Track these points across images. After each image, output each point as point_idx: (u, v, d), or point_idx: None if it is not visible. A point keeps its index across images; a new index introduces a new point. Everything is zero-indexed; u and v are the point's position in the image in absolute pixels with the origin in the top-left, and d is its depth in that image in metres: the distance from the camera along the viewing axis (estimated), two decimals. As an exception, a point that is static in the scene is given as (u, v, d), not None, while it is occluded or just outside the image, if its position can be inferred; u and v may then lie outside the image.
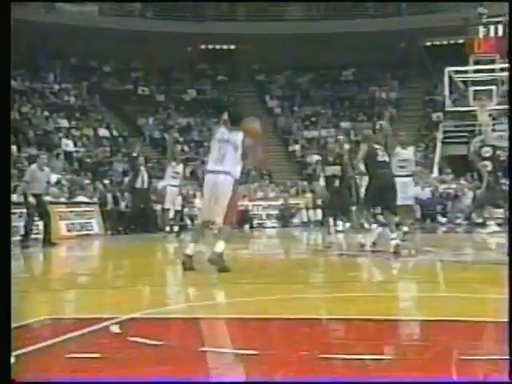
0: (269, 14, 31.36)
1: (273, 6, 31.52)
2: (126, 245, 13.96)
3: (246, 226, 20.32)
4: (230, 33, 30.40)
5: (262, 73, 32.74)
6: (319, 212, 20.82)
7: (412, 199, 12.50)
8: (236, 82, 32.17)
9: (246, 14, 32.00)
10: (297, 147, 28.73)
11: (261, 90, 32.11)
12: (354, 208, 12.24)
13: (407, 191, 11.47)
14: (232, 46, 32.71)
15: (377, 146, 9.62)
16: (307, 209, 21.63)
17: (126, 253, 11.68)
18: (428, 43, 31.64)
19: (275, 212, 21.92)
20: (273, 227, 21.16)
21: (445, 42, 31.93)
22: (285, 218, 21.57)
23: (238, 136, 7.28)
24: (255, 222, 21.47)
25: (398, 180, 9.88)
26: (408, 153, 11.96)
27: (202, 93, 31.37)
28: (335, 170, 11.58)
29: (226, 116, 8.11)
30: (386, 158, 9.64)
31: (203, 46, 32.48)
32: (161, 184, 15.92)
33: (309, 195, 22.35)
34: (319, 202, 20.19)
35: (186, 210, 18.75)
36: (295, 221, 21.70)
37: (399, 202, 10.02)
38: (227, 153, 7.20)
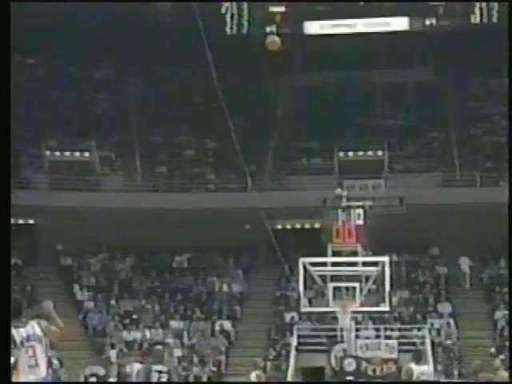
0: (79, 182, 31.59)
1: (89, 175, 31.57)
2: None
3: None
4: (27, 204, 29.70)
5: (68, 255, 32.23)
6: None
7: None
8: (35, 267, 31.50)
9: (50, 182, 31.85)
10: (112, 353, 27.08)
11: (67, 278, 31.39)
12: None
13: None
14: (30, 221, 32.32)
15: None
16: None
17: None
18: (278, 226, 32.06)
19: None
20: None
21: (298, 226, 32.61)
22: None
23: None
24: None
25: None
26: None
27: None
28: None
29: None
30: None
31: None
32: None
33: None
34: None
35: None
36: None
37: None
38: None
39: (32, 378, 7.97)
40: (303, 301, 23.65)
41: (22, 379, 7.98)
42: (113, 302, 30.45)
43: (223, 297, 30.82)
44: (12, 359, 7.93)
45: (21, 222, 32.41)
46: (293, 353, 25.61)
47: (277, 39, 16.48)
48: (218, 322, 29.05)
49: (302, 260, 23.49)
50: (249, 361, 26.56)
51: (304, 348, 25.76)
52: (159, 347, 20.52)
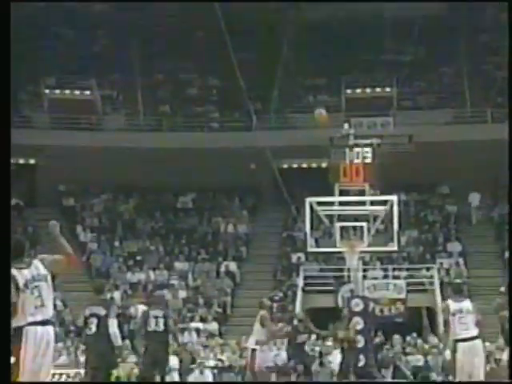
0: (80, 121, 31.34)
1: (90, 113, 31.53)
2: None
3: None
4: (27, 144, 29.59)
5: (70, 196, 32.21)
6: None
7: None
8: (37, 208, 31.46)
9: (51, 121, 31.69)
10: (117, 294, 27.10)
11: (70, 219, 31.22)
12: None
13: None
14: (31, 161, 32.26)
15: None
16: None
17: None
18: (284, 165, 31.93)
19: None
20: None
21: (305, 166, 32.38)
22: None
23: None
24: None
25: None
26: None
27: None
28: None
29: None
30: None
31: None
32: None
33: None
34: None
35: None
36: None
37: None
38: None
39: (39, 319, 7.86)
40: (310, 241, 23.12)
41: (30, 320, 7.86)
42: (116, 244, 30.42)
43: (228, 238, 30.75)
44: (16, 301, 7.72)
45: (21, 161, 32.47)
46: (299, 294, 25.65)
47: (323, 112, 16.91)
48: (223, 263, 29.03)
49: (308, 200, 23.01)
50: (254, 302, 26.61)
51: (311, 289, 25.80)
52: (160, 292, 20.68)
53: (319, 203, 22.81)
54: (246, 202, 32.44)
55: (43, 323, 7.95)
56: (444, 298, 25.50)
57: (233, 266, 29.01)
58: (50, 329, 8.02)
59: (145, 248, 30.12)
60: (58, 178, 31.26)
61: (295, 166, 32.54)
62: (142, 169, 30.03)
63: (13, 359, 7.93)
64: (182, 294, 27.32)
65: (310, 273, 26.52)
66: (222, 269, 28.83)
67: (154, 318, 14.13)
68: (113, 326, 12.94)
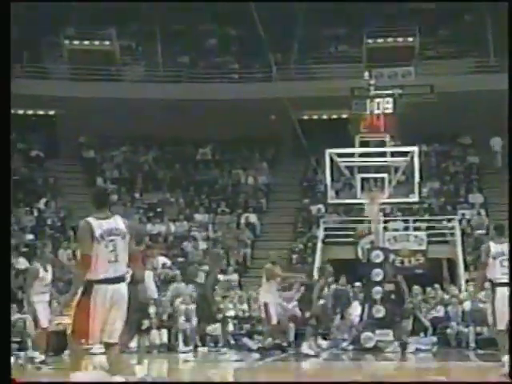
0: (100, 72, 31.25)
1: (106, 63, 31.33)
2: None
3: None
4: (46, 94, 29.77)
5: (90, 147, 32.41)
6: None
7: None
8: (57, 159, 31.74)
9: (71, 72, 31.62)
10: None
11: (90, 171, 31.52)
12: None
13: None
14: (50, 112, 32.45)
15: None
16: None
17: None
18: (305, 117, 31.91)
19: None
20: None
21: (325, 117, 32.33)
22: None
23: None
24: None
25: None
26: None
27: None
28: None
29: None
30: None
31: (11, 111, 31.48)
32: None
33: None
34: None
35: None
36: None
37: None
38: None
39: (111, 275, 7.83)
40: (330, 193, 23.09)
41: (101, 276, 7.82)
42: (137, 195, 30.52)
43: (248, 189, 30.80)
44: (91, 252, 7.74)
45: (41, 112, 32.52)
46: (319, 245, 25.72)
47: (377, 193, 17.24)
48: (243, 215, 29.11)
49: (328, 151, 23.01)
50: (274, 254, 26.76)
51: (331, 240, 25.86)
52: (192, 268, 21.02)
53: (339, 155, 22.72)
54: (265, 154, 32.41)
55: (115, 280, 7.88)
56: (465, 249, 25.58)
57: (253, 217, 29.10)
58: (121, 286, 7.96)
59: (165, 199, 30.19)
60: (77, 130, 31.30)
61: (315, 117, 32.44)
62: (162, 120, 29.98)
63: (78, 312, 7.85)
64: (202, 245, 27.45)
65: (330, 225, 26.54)
66: (242, 220, 28.91)
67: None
68: (149, 278, 13.15)
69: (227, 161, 32.11)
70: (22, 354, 19.10)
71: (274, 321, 17.52)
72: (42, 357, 15.16)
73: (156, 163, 32.14)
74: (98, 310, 7.77)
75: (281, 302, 18.17)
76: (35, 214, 28.53)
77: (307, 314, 18.17)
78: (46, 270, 14.79)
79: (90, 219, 7.93)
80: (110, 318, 7.86)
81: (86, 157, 32.20)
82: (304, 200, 30.03)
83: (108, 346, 8.01)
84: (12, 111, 31.33)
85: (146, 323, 13.55)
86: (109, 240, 7.88)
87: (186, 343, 19.74)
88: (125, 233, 8.01)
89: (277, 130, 31.31)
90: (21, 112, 32.03)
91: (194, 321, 19.89)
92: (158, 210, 29.68)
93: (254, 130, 30.85)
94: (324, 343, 18.99)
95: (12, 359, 18.51)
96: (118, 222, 8.06)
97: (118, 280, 7.94)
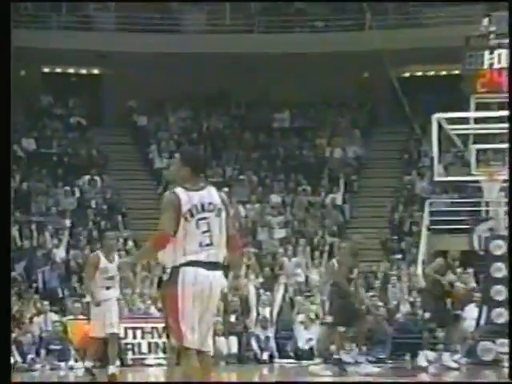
0: (153, 22, 31.53)
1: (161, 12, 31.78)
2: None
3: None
4: (90, 49, 30.12)
5: (142, 112, 32.69)
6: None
7: None
8: (102, 127, 32.14)
9: (117, 22, 31.99)
10: None
11: (142, 141, 31.87)
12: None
13: None
14: (95, 71, 32.93)
15: None
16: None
17: None
18: (406, 73, 31.95)
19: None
20: (159, 365, 20.24)
21: (432, 73, 32.38)
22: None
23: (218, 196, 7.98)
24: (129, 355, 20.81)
25: None
26: None
27: (46, 144, 30.70)
28: None
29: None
30: None
31: (46, 69, 32.29)
32: None
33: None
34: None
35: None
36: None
37: None
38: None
39: (202, 259, 7.58)
40: (437, 168, 23.22)
41: (189, 258, 7.58)
42: None
43: (336, 164, 30.75)
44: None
45: (83, 71, 32.92)
46: (424, 233, 25.57)
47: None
48: (329, 195, 29.04)
49: (436, 116, 22.88)
50: (368, 243, 26.77)
51: (438, 227, 25.75)
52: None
53: (450, 120, 22.77)
54: (357, 120, 32.42)
55: (207, 266, 7.60)
56: None
57: (340, 198, 29.04)
58: (216, 275, 7.69)
59: (233, 177, 30.40)
60: (127, 92, 31.49)
61: (419, 73, 32.50)
62: (228, 79, 30.17)
63: (167, 307, 7.65)
64: (279, 233, 27.52)
65: (437, 207, 26.40)
66: (328, 201, 28.86)
67: None
68: None
69: (309, 129, 32.16)
70: (62, 364, 19.55)
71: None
72: (91, 363, 15.36)
73: (222, 132, 32.35)
74: (185, 300, 7.56)
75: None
76: (77, 194, 28.90)
77: (426, 315, 18.26)
78: (110, 261, 14.86)
79: (179, 190, 7.68)
80: (202, 314, 7.64)
81: (138, 124, 32.48)
82: (405, 177, 29.81)
83: (200, 355, 7.66)
84: (47, 69, 32.27)
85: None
86: (200, 218, 7.68)
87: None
88: (221, 209, 7.79)
89: (371, 91, 31.36)
90: (59, 70, 32.46)
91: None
92: (225, 189, 29.73)
93: (343, 91, 30.99)
94: (430, 354, 18.91)
95: (49, 370, 19.03)
96: (212, 195, 7.83)
97: (212, 266, 7.67)
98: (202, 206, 7.69)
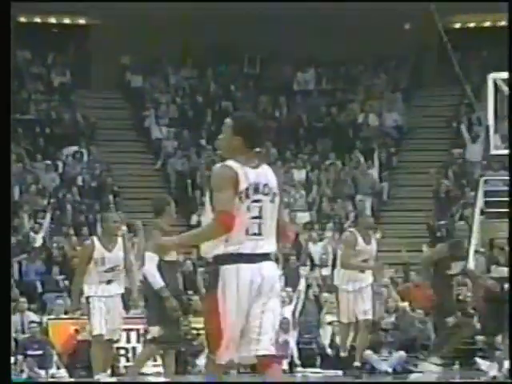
0: None
1: None
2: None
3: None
4: None
5: (137, 71, 32.77)
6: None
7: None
8: (89, 89, 32.37)
9: None
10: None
11: (138, 106, 31.91)
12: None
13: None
14: (80, 20, 33.30)
15: None
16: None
17: None
18: (456, 25, 32.06)
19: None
20: (158, 374, 20.10)
21: (487, 24, 32.50)
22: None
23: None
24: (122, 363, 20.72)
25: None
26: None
27: (23, 109, 30.54)
28: None
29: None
30: None
31: (22, 19, 32.36)
32: None
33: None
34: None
35: None
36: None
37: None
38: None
39: (247, 251, 7.44)
40: (494, 139, 23.30)
41: (231, 250, 7.44)
42: (203, 142, 30.69)
43: (370, 133, 30.73)
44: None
45: (67, 21, 32.88)
46: (477, 217, 25.51)
47: None
48: (362, 171, 29.03)
49: (491, 76, 23.02)
50: (406, 233, 26.67)
51: (494, 211, 25.63)
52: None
53: (509, 81, 22.57)
54: (397, 80, 32.53)
55: (252, 258, 7.51)
56: None
57: (376, 175, 29.14)
58: (270, 266, 7.59)
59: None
60: (118, 47, 31.49)
61: (472, 25, 32.70)
62: (240, 31, 30.25)
63: (207, 313, 7.62)
64: (303, 216, 27.51)
65: (493, 186, 26.21)
66: (361, 179, 28.81)
67: None
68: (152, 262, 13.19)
69: (339, 90, 32.21)
70: (42, 372, 19.43)
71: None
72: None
73: (231, 95, 32.30)
74: (229, 303, 7.46)
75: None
76: (60, 169, 28.80)
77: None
78: (108, 250, 14.56)
79: (233, 164, 7.47)
80: (252, 317, 7.46)
81: (132, 85, 32.53)
82: (453, 150, 29.73)
83: (262, 365, 7.55)
84: (24, 19, 32.13)
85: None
86: (253, 200, 7.51)
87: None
88: (276, 194, 7.64)
89: (414, 46, 31.54)
90: (37, 20, 32.35)
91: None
92: (237, 163, 29.80)
93: (380, 46, 31.05)
94: (482, 363, 19.16)
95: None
96: (268, 176, 7.69)
97: (262, 257, 7.54)
98: (257, 187, 7.55)
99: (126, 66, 32.81)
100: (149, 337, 12.98)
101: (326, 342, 21.06)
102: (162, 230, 12.40)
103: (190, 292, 22.94)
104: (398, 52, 32.00)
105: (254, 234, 7.50)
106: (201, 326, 20.60)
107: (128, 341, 20.82)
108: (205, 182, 28.87)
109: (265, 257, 7.57)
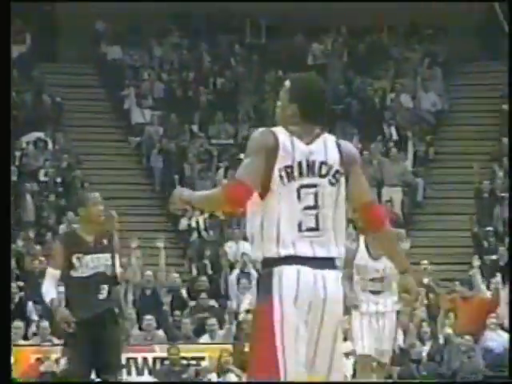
0: None
1: None
2: None
3: None
4: None
5: (115, 40, 32.94)
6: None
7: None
8: (56, 63, 32.83)
9: None
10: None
11: (114, 83, 32.09)
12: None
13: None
14: None
15: None
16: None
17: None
18: None
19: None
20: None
21: None
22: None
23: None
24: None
25: None
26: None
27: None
28: None
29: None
30: None
31: None
32: None
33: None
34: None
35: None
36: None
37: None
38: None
39: (301, 253, 7.06)
40: None
41: (284, 253, 7.07)
42: (194, 128, 30.99)
43: (402, 117, 30.89)
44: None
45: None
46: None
47: None
48: (392, 162, 29.08)
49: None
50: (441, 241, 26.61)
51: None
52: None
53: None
54: (434, 54, 32.59)
55: (309, 263, 7.17)
56: None
57: (409, 168, 29.33)
58: (333, 275, 7.24)
59: (251, 136, 30.20)
60: (91, 10, 31.65)
61: None
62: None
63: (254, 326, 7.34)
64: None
65: None
66: (391, 171, 28.82)
67: None
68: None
69: (363, 65, 32.37)
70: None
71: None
72: None
73: (232, 69, 32.48)
74: (287, 317, 7.14)
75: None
76: (17, 161, 28.72)
77: None
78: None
79: (279, 130, 7.12)
80: (316, 335, 7.17)
81: (108, 58, 32.58)
82: (503, 139, 29.44)
83: None
84: None
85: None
86: (304, 184, 7.10)
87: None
88: (339, 172, 7.20)
89: (456, 11, 31.43)
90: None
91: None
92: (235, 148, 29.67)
93: (413, 12, 31.36)
94: None
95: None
96: (328, 150, 7.24)
97: (323, 264, 7.14)
98: (311, 165, 7.15)
99: (100, 34, 32.84)
100: None
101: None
102: (90, 220, 12.38)
103: (178, 313, 23.00)
104: (437, 19, 32.13)
105: (310, 230, 7.16)
106: (191, 355, 20.86)
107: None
108: (197, 176, 28.99)
109: (326, 263, 7.27)
